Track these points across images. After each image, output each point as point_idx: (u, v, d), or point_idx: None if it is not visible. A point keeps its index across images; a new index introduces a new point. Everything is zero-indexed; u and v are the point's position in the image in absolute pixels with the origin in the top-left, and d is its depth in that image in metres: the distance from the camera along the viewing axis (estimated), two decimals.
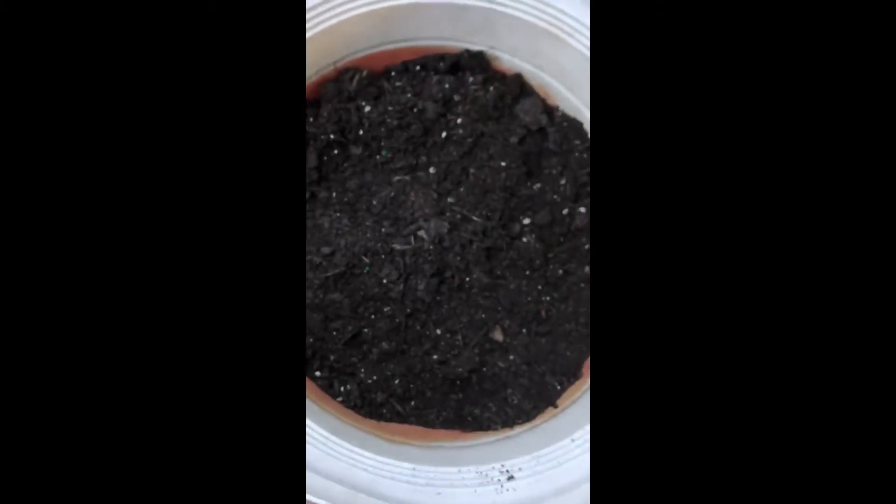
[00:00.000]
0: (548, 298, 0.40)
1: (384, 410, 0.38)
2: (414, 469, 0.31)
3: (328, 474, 0.28)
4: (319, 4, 0.36)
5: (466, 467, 0.32)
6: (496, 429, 0.38)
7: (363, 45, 0.40)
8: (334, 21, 0.36)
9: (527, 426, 0.37)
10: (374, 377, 0.38)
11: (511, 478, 0.31)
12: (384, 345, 0.38)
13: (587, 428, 0.33)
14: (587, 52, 0.38)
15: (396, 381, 0.38)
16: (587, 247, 0.41)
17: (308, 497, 0.27)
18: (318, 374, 0.38)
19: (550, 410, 0.38)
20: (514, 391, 0.39)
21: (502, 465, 0.32)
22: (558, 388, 0.39)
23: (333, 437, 0.31)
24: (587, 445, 0.32)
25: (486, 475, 0.31)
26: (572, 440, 0.33)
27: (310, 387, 0.37)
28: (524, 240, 0.40)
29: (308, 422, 0.31)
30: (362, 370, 0.38)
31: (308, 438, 0.30)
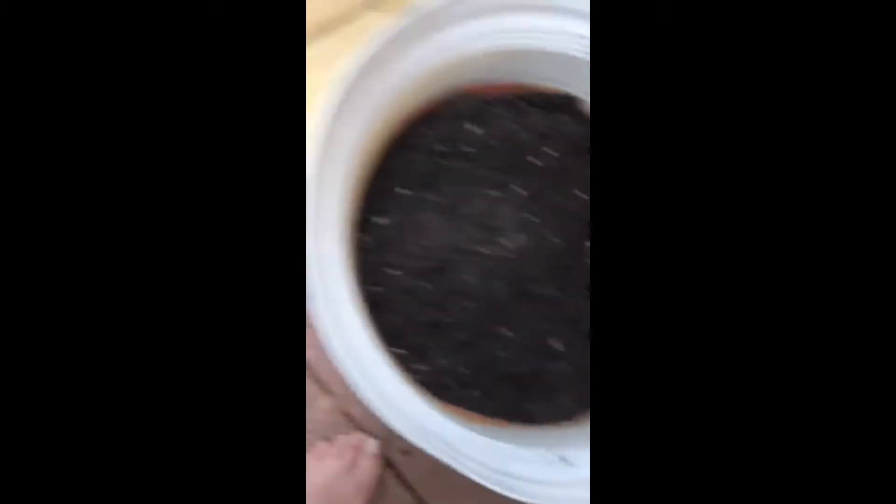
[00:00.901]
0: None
1: (450, 394, 0.43)
2: (482, 440, 0.36)
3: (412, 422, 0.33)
4: (456, 39, 0.42)
5: (523, 448, 0.36)
6: (544, 424, 0.43)
7: (480, 75, 0.46)
8: (466, 53, 0.43)
9: (572, 424, 0.42)
10: (445, 362, 0.43)
11: (568, 463, 0.36)
12: (458, 335, 0.43)
13: None
14: None
15: (464, 370, 0.43)
16: None
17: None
18: (398, 350, 0.43)
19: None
20: (565, 395, 0.44)
21: (557, 453, 0.36)
22: None
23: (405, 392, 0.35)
24: None
25: (545, 458, 0.36)
26: None
27: (390, 358, 0.42)
28: (588, 261, 0.45)
29: (395, 378, 0.36)
30: (436, 354, 0.43)
31: (391, 386, 0.35)
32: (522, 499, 0.30)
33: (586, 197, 0.46)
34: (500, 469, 0.33)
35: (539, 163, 0.46)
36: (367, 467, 0.53)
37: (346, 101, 0.36)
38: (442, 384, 0.43)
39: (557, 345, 0.45)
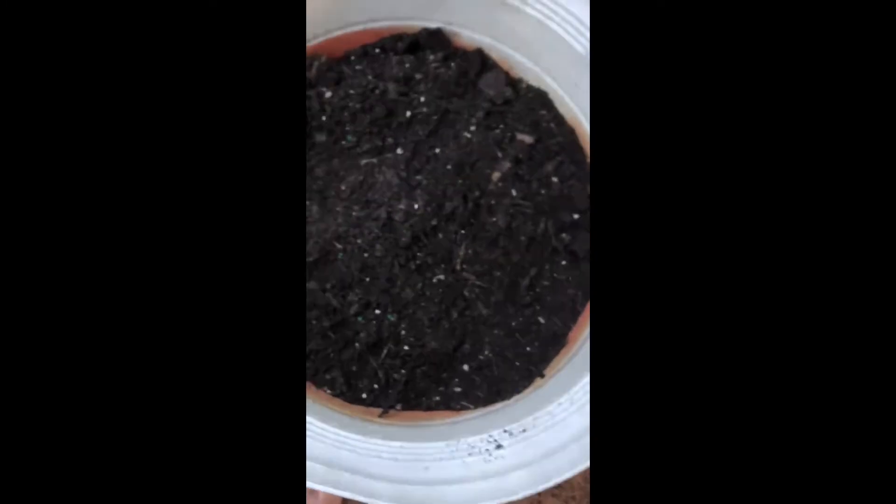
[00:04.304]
0: (533, 271, 0.40)
1: (370, 396, 0.38)
2: (401, 446, 0.31)
3: (309, 455, 0.28)
4: None
5: (455, 441, 0.31)
6: (484, 405, 0.38)
7: (320, 30, 0.40)
8: None
9: (514, 398, 0.37)
10: (356, 366, 0.38)
11: (499, 446, 0.31)
12: (363, 334, 0.38)
13: (573, 390, 0.33)
14: (544, 19, 0.38)
15: (378, 369, 0.38)
16: (565, 214, 0.41)
17: None
18: None
19: (538, 381, 0.38)
20: (501, 365, 0.39)
21: (490, 436, 0.31)
22: (545, 358, 0.39)
23: (315, 421, 0.30)
24: (573, 408, 0.32)
25: (474, 446, 0.31)
26: (558, 404, 0.32)
27: None
28: (494, 218, 0.40)
29: None
30: (345, 358, 0.38)
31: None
32: None
33: (478, 138, 0.40)
34: (417, 480, 0.28)
35: (411, 114, 0.40)
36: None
37: None
38: (358, 388, 0.38)
39: (480, 312, 0.39)
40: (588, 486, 0.51)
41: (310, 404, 0.35)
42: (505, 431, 0.31)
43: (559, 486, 0.52)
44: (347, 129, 0.40)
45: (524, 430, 0.31)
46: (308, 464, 0.27)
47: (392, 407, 0.37)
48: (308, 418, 0.31)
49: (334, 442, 0.30)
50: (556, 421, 0.31)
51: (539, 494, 0.51)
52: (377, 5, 0.39)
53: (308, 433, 0.30)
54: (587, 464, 0.28)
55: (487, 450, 0.30)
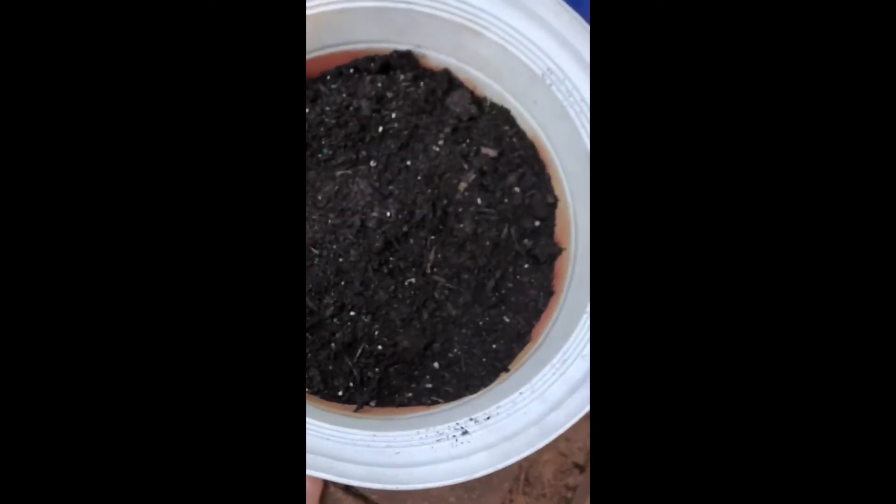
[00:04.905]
0: (498, 273, 0.43)
1: (345, 394, 0.40)
2: (374, 435, 0.33)
3: None
4: None
5: (425, 429, 0.34)
6: (453, 399, 0.40)
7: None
8: None
9: (481, 391, 0.40)
10: (331, 365, 0.40)
11: (465, 432, 0.33)
12: (338, 335, 0.40)
13: (534, 380, 0.35)
14: (504, 43, 0.42)
15: (353, 368, 0.40)
16: (528, 221, 0.44)
17: None
18: None
19: (502, 375, 0.40)
20: (469, 362, 0.41)
21: (457, 423, 0.34)
22: (510, 353, 0.41)
23: None
24: (533, 395, 0.34)
25: (442, 433, 0.33)
26: (520, 393, 0.35)
27: None
28: (461, 224, 0.43)
29: None
30: (321, 358, 0.40)
31: None
32: (403, 487, 0.27)
33: (445, 152, 0.43)
34: (387, 463, 0.30)
35: (383, 129, 0.43)
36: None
37: None
38: (334, 387, 0.40)
39: (450, 310, 0.42)
40: (558, 483, 0.53)
41: None
42: (471, 420, 0.34)
43: (529, 485, 0.54)
44: (323, 142, 0.42)
45: (488, 418, 0.34)
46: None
47: (366, 403, 0.40)
48: None
49: (312, 432, 0.32)
50: (517, 408, 0.34)
51: (510, 492, 0.53)
52: (351, 29, 0.42)
53: None
54: (544, 443, 0.31)
55: (454, 436, 0.33)
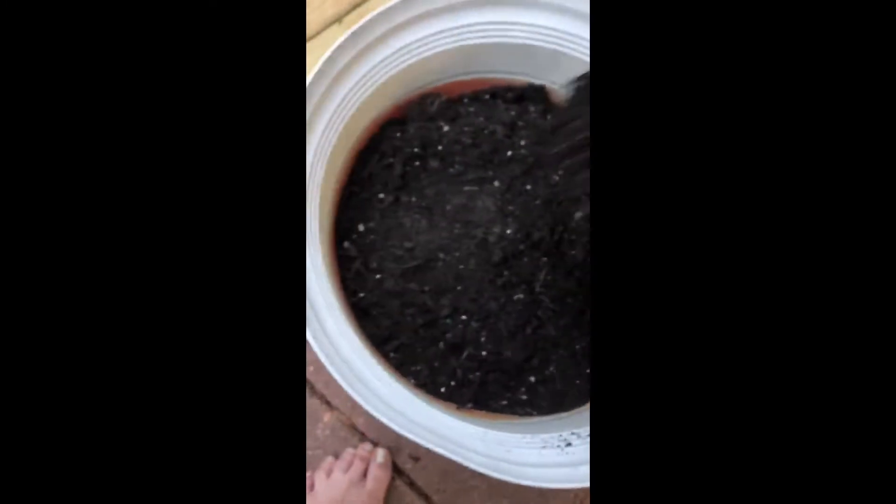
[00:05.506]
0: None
1: (447, 391, 0.43)
2: (485, 432, 0.36)
3: (407, 416, 0.33)
4: (415, 42, 0.43)
5: (530, 435, 0.36)
6: (547, 413, 0.42)
7: (445, 74, 0.47)
8: (427, 54, 0.43)
9: (574, 409, 0.42)
10: (438, 363, 0.43)
11: (569, 444, 0.36)
12: (449, 333, 0.43)
13: None
14: None
15: (458, 368, 0.43)
16: None
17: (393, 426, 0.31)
18: (392, 354, 0.43)
19: None
20: (563, 382, 0.44)
21: (560, 435, 0.36)
22: None
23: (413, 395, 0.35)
24: None
25: (547, 441, 0.36)
26: None
27: (385, 364, 0.42)
28: (573, 251, 0.46)
29: (393, 383, 0.36)
30: (430, 354, 0.43)
31: (389, 391, 0.35)
32: (521, 482, 0.30)
33: (564, 182, 0.46)
34: (501, 458, 0.33)
35: (511, 154, 0.47)
36: (377, 477, 0.52)
37: (310, 112, 0.37)
38: (439, 384, 0.43)
39: (549, 332, 0.45)
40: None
41: (400, 388, 0.40)
42: (573, 433, 0.36)
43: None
44: (457, 159, 0.46)
45: (588, 434, 0.36)
46: (413, 427, 0.32)
47: (465, 404, 0.43)
48: (407, 394, 0.36)
49: (436, 420, 0.35)
50: None
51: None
52: (499, 61, 0.46)
53: (409, 404, 0.35)
54: None
55: (559, 445, 0.35)
